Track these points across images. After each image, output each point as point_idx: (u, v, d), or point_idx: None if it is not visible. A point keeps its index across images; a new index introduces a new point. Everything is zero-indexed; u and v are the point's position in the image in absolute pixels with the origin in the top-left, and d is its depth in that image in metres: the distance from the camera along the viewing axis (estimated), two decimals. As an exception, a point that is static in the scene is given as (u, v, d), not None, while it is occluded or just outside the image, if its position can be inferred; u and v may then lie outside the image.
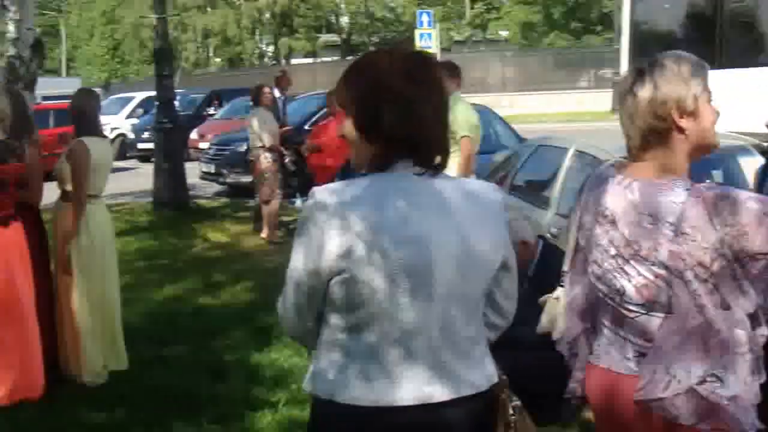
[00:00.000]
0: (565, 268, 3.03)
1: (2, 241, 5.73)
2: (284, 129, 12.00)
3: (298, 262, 2.36)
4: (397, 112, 2.31)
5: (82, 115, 6.28)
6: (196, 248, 11.30)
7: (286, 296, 2.45)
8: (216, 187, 17.53)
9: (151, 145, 18.52)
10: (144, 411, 5.64)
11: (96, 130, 6.33)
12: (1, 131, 5.74)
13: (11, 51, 10.44)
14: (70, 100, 6.45)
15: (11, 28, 10.48)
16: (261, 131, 11.20)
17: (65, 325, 6.22)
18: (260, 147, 11.24)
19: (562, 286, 3.16)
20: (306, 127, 15.40)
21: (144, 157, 24.39)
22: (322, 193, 2.34)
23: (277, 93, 13.00)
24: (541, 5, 49.93)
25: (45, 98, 27.40)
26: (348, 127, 2.41)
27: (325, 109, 14.30)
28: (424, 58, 2.47)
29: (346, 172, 3.88)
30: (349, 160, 2.52)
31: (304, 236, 2.33)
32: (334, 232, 2.25)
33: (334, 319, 2.36)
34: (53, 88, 32.96)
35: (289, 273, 2.41)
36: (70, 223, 6.07)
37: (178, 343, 7.05)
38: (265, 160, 11.23)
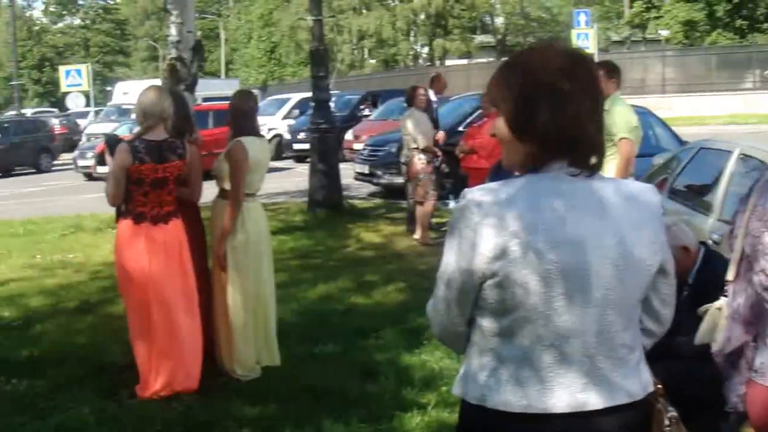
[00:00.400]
0: (729, 276, 2.88)
1: (163, 237, 5.92)
2: (438, 134, 11.90)
3: (449, 262, 2.32)
4: (551, 110, 2.23)
5: (241, 115, 6.41)
6: (349, 248, 11.41)
7: (436, 297, 2.41)
8: (370, 188, 17.69)
9: (306, 146, 18.86)
10: (295, 407, 5.72)
11: (254, 130, 6.45)
12: (164, 130, 5.91)
13: (173, 53, 10.82)
14: (229, 101, 6.61)
15: (173, 31, 10.86)
16: (415, 133, 11.21)
17: (220, 321, 6.37)
18: (414, 148, 11.26)
19: (725, 295, 3.01)
20: (460, 129, 15.35)
21: (299, 157, 24.88)
22: (476, 193, 2.28)
23: (432, 95, 12.98)
24: (704, 3, 48.23)
25: (205, 99, 28.34)
26: (500, 125, 2.34)
27: (479, 111, 14.22)
28: (580, 55, 2.37)
29: (498, 173, 3.80)
30: (501, 161, 2.45)
31: (457, 236, 2.28)
32: (488, 232, 2.20)
33: (486, 322, 2.30)
34: (213, 90, 34.06)
35: (440, 274, 2.37)
36: (227, 221, 6.20)
37: (329, 341, 7.10)
38: (419, 161, 11.24)
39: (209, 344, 6.33)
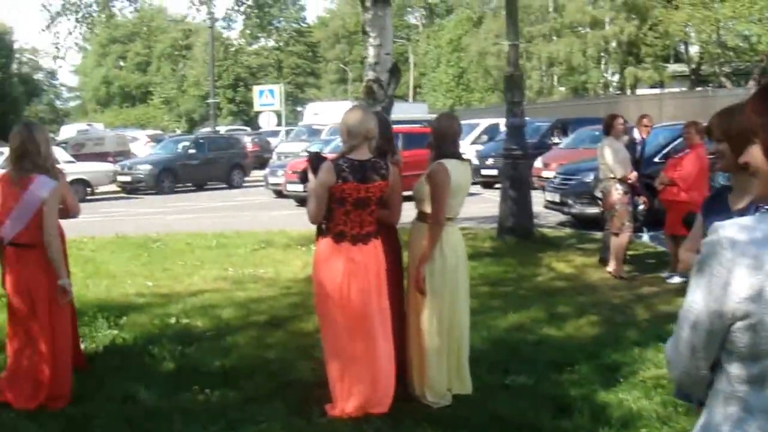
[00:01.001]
0: None
1: (362, 257, 5.88)
2: (631, 174, 11.31)
3: (697, 301, 2.15)
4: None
5: (444, 137, 6.33)
6: (540, 277, 11.17)
7: (679, 339, 2.24)
8: (560, 217, 17.37)
9: (494, 172, 18.70)
10: (486, 438, 5.56)
11: (456, 153, 6.35)
12: (368, 150, 5.89)
13: (370, 75, 10.89)
14: (420, 124, 6.52)
15: (371, 52, 10.94)
16: (613, 163, 10.87)
17: (413, 345, 6.29)
18: (611, 178, 10.92)
19: None
20: (656, 160, 14.85)
21: (487, 183, 24.75)
22: (729, 228, 2.11)
23: (636, 134, 12.57)
24: None
25: (393, 122, 28.61)
26: (757, 154, 2.16)
27: (675, 141, 13.68)
28: None
29: (711, 207, 3.58)
30: (715, 194, 2.24)
31: (707, 274, 2.11)
32: (742, 272, 2.03)
33: (734, 368, 2.13)
34: (402, 113, 34.36)
35: (685, 313, 2.20)
36: (426, 244, 6.11)
37: (521, 372, 6.91)
38: (616, 191, 10.89)
39: (400, 368, 6.26)
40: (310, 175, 6.00)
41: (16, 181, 6.30)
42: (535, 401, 6.24)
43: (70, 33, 15.57)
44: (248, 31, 66.62)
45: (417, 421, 5.88)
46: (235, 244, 15.04)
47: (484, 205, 18.72)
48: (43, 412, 6.19)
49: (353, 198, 5.81)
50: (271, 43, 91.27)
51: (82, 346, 7.67)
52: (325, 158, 6.01)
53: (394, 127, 22.95)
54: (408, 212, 6.44)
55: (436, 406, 6.15)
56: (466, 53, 71.08)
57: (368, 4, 10.81)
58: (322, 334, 6.12)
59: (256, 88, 47.09)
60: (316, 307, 6.19)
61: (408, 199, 6.14)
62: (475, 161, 26.76)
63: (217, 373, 7.13)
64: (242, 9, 16.55)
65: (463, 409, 6.11)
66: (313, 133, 36.90)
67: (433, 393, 6.20)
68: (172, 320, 9.06)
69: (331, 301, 5.91)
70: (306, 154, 6.03)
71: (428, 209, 6.18)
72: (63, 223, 6.67)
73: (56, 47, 16.44)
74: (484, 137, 28.78)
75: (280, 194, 25.15)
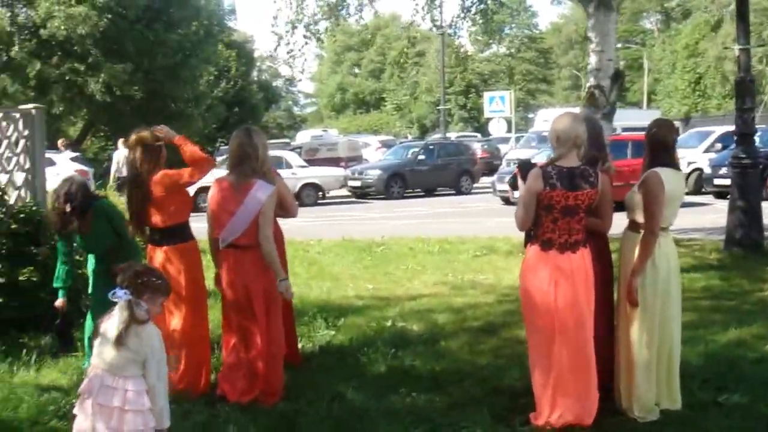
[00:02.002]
0: None
1: (570, 266, 5.82)
2: None
3: None
4: None
5: (659, 145, 6.15)
6: (766, 293, 10.60)
7: None
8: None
9: (727, 181, 17.93)
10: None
11: (672, 162, 6.16)
12: (577, 157, 5.83)
13: (591, 81, 10.75)
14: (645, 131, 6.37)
15: (593, 59, 10.81)
16: None
17: (622, 357, 6.15)
18: None
19: None
20: None
21: (720, 193, 23.77)
22: None
23: None
24: None
25: (624, 129, 27.96)
26: None
27: None
28: None
29: None
30: None
31: None
32: None
33: None
34: (633, 120, 33.57)
35: None
36: (638, 254, 5.97)
37: (736, 390, 6.56)
38: None
39: (607, 379, 6.15)
40: (520, 182, 6.00)
41: (236, 186, 6.64)
42: (749, 421, 5.96)
43: (300, 50, 16.18)
44: (477, 38, 66.92)
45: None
46: (457, 250, 15.15)
47: (714, 215, 17.99)
48: (255, 406, 6.48)
49: (561, 205, 5.76)
50: (503, 49, 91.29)
51: (300, 345, 7.98)
52: (534, 165, 5.99)
53: (624, 134, 22.60)
54: (618, 221, 6.31)
55: (642, 421, 5.97)
56: (703, 58, 68.43)
57: (591, 9, 10.67)
58: (528, 342, 6.08)
59: (486, 95, 47.33)
60: (523, 314, 6.15)
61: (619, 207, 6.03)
62: (708, 170, 25.76)
63: (427, 377, 7.22)
64: (467, 16, 16.67)
65: (671, 425, 5.90)
66: (543, 140, 36.55)
67: (640, 407, 6.02)
68: (389, 323, 9.24)
69: (538, 309, 5.88)
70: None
71: (640, 218, 6.03)
72: (290, 224, 7.00)
73: (289, 64, 17.11)
74: (718, 145, 27.64)
75: (507, 201, 25.09)
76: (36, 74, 35.07)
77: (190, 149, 6.89)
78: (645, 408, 6.02)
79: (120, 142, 30.90)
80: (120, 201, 14.48)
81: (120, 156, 28.90)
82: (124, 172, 27.44)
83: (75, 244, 7.64)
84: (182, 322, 6.89)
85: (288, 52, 16.12)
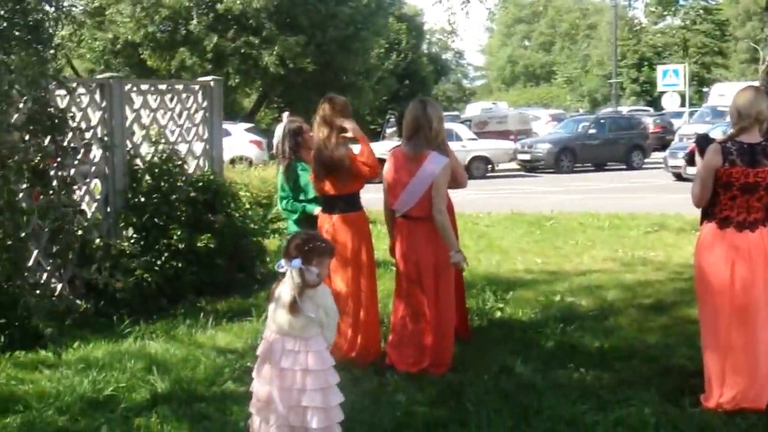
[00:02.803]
0: None
1: (747, 245, 5.65)
2: None
3: None
4: None
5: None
6: None
7: None
8: None
9: None
10: None
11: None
12: (759, 133, 5.63)
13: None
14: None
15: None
16: None
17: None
18: None
19: None
20: None
21: None
22: None
23: None
24: None
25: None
26: None
27: None
28: None
29: None
30: None
31: None
32: None
33: None
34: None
35: None
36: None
37: None
38: None
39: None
40: (697, 158, 5.84)
41: (410, 157, 6.72)
42: None
43: (462, 8, 15.87)
44: (652, 10, 64.98)
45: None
46: (627, 226, 14.91)
47: None
48: (424, 376, 6.58)
49: (740, 183, 5.58)
50: (677, 21, 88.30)
51: (469, 317, 8.03)
52: (713, 140, 5.82)
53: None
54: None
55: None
56: None
57: (773, -23, 10.22)
58: (701, 322, 5.94)
59: (660, 68, 45.96)
60: (697, 293, 6.00)
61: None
62: None
63: (595, 353, 7.16)
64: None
65: None
66: (718, 114, 35.31)
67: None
68: (557, 298, 9.19)
69: (712, 287, 5.74)
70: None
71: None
72: (459, 197, 7.06)
73: (449, 23, 16.90)
74: None
75: (679, 177, 24.41)
76: (213, 47, 36.39)
77: (368, 150, 7.05)
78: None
79: (285, 115, 31.83)
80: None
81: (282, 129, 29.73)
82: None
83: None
84: (350, 289, 7.03)
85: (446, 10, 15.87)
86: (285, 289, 4.74)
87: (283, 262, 4.73)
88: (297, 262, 4.66)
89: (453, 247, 6.69)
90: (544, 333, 7.79)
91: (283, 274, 4.77)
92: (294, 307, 4.66)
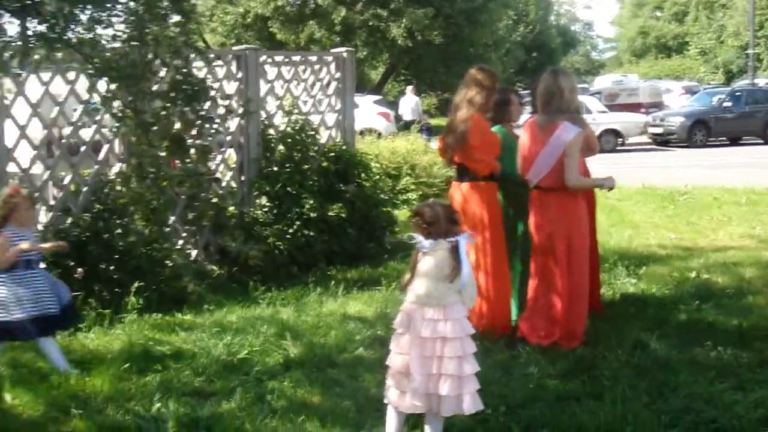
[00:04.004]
0: None
1: None
2: None
3: None
4: None
5: None
6: None
7: None
8: None
9: None
10: None
11: None
12: None
13: None
14: None
15: None
16: None
17: None
18: None
19: None
20: None
21: None
22: None
23: None
24: None
25: None
26: None
27: None
28: None
29: None
30: None
31: None
32: None
33: None
34: None
35: None
36: None
37: None
38: None
39: None
40: None
41: (542, 127, 6.66)
42: None
43: None
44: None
45: None
46: (765, 202, 14.45)
47: None
48: (555, 349, 6.53)
49: None
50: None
51: (601, 291, 7.92)
52: None
53: None
54: None
55: None
56: None
57: None
58: None
59: (801, 38, 44.29)
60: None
61: None
62: None
63: (733, 331, 6.97)
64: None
65: None
66: None
67: None
68: (692, 274, 8.98)
69: None
70: None
71: None
72: (591, 168, 7.01)
73: None
74: None
75: None
76: (341, 20, 36.65)
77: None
78: None
79: (408, 89, 32.10)
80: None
81: (407, 103, 29.80)
82: (409, 117, 28.29)
83: None
84: (481, 258, 7.02)
85: None
86: (426, 261, 4.75)
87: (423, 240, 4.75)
88: (464, 236, 4.73)
89: (600, 183, 6.87)
90: (679, 309, 7.63)
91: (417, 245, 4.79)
92: (450, 279, 4.69)
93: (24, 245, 6.01)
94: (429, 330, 4.68)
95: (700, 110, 31.39)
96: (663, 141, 30.80)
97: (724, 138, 30.77)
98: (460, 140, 6.92)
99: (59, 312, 6.21)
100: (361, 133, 18.52)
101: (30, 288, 6.08)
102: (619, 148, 28.66)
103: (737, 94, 32.63)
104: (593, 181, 6.86)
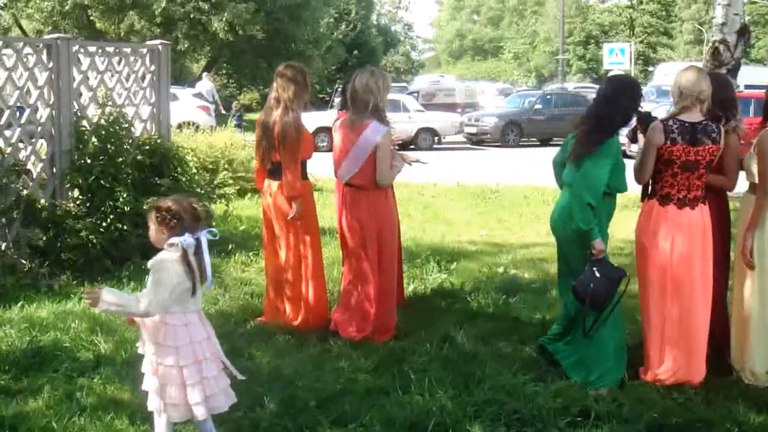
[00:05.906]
0: None
1: (687, 221, 5.78)
2: None
3: None
4: None
5: (779, 103, 6.01)
6: None
7: None
8: None
9: None
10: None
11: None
12: (700, 113, 5.76)
13: (717, 35, 10.50)
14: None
15: (719, 12, 10.55)
16: None
17: (736, 319, 6.08)
18: None
19: None
20: None
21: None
22: None
23: None
24: None
25: (747, 86, 27.13)
26: None
27: None
28: None
29: None
30: None
31: None
32: None
33: None
34: (757, 77, 32.50)
35: None
36: (751, 215, 5.85)
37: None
38: None
39: (723, 338, 6.11)
40: (639, 135, 5.98)
41: (351, 126, 6.76)
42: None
43: None
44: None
45: (731, 397, 5.69)
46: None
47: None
48: (367, 343, 6.67)
49: (681, 160, 5.71)
50: (624, 0, 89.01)
51: (412, 287, 8.11)
52: (655, 118, 5.94)
53: (747, 92, 21.72)
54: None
55: (753, 384, 5.90)
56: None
57: (718, -39, 10.41)
58: (640, 296, 6.06)
59: (606, 46, 46.40)
60: (637, 269, 6.09)
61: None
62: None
63: (537, 324, 7.26)
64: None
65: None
66: (663, 94, 35.74)
67: (752, 372, 5.94)
68: (500, 270, 9.33)
69: (652, 263, 5.86)
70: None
71: (756, 180, 5.89)
72: (406, 166, 7.17)
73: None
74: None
75: (624, 155, 24.55)
76: (162, 11, 35.96)
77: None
78: (756, 374, 5.93)
79: (204, 75, 32.21)
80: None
81: (203, 87, 30.38)
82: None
83: None
84: (294, 257, 7.07)
85: None
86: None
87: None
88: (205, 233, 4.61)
89: (398, 171, 6.97)
90: (487, 304, 7.90)
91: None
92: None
93: None
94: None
95: (513, 112, 32.46)
96: (477, 140, 31.66)
97: (535, 139, 31.94)
98: (274, 139, 6.92)
99: None
100: (180, 126, 18.24)
101: None
102: (435, 146, 29.33)
103: (548, 97, 33.92)
104: (397, 170, 6.94)
